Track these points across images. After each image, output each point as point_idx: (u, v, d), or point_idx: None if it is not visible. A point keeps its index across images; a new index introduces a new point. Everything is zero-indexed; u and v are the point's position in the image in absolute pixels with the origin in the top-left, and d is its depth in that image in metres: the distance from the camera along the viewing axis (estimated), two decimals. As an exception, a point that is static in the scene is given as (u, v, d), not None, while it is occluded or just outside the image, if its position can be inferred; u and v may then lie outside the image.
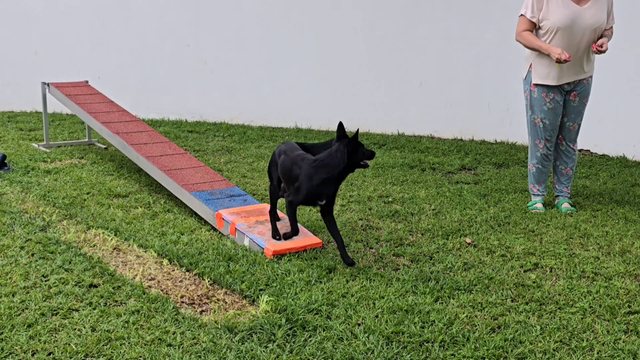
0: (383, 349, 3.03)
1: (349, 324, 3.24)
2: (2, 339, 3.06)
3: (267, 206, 4.72)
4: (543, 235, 4.51)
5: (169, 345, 3.05)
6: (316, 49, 8.24)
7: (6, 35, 9.40)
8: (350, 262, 3.93)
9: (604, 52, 4.79)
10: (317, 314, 3.33)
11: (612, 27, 4.96)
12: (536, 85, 4.95)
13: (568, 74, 4.89)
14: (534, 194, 5.21)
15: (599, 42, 4.80)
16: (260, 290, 3.60)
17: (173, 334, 3.14)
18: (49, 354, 2.97)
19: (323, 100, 8.31)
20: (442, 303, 3.49)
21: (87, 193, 5.31)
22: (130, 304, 3.42)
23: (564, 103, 5.01)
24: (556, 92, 4.94)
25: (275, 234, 4.23)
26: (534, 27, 4.90)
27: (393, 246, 4.28)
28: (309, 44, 8.27)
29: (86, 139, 7.24)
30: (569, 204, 5.13)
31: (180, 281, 3.77)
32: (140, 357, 2.96)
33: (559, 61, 4.71)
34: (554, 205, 5.20)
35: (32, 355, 2.96)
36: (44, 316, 3.27)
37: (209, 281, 3.74)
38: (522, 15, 4.92)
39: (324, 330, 3.18)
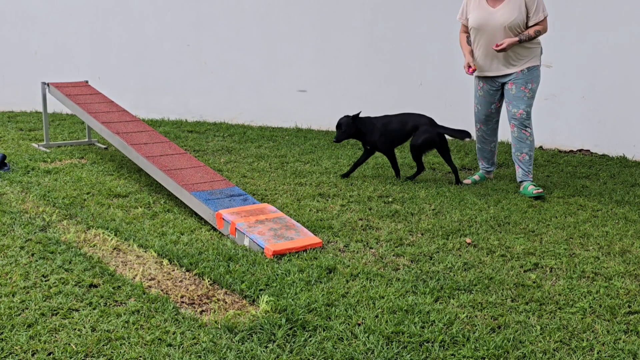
0: (383, 349, 3.03)
1: (349, 324, 3.24)
2: (2, 339, 3.06)
3: (268, 206, 4.73)
4: (543, 235, 4.51)
5: (169, 345, 3.05)
6: (316, 49, 8.25)
7: (6, 35, 9.40)
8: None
9: (502, 50, 5.21)
10: (317, 314, 3.34)
11: (542, 21, 5.26)
12: (474, 75, 5.60)
13: (490, 68, 5.41)
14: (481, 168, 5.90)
15: (501, 42, 5.25)
16: (260, 290, 3.60)
17: (173, 334, 3.14)
18: (49, 354, 2.97)
19: (323, 100, 8.32)
20: (442, 303, 3.49)
21: (87, 193, 5.31)
22: (130, 304, 3.42)
23: (504, 92, 5.47)
24: (486, 82, 5.52)
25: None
26: (466, 29, 5.55)
27: (393, 246, 4.28)
28: (309, 44, 8.27)
29: (86, 139, 7.24)
30: (534, 185, 5.39)
31: (180, 281, 3.77)
32: (140, 357, 2.96)
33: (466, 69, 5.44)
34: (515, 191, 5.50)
35: (32, 355, 2.96)
36: (44, 316, 3.28)
37: (209, 281, 3.74)
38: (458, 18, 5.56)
39: (324, 330, 3.18)
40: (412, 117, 5.82)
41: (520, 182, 5.52)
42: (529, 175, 5.47)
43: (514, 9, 5.21)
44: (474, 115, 5.74)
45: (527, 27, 5.27)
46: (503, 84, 5.45)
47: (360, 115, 5.84)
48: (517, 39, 5.21)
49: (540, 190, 5.30)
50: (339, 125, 5.79)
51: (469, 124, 7.59)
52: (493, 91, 5.49)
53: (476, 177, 5.81)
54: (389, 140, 5.81)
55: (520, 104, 5.35)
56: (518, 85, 5.34)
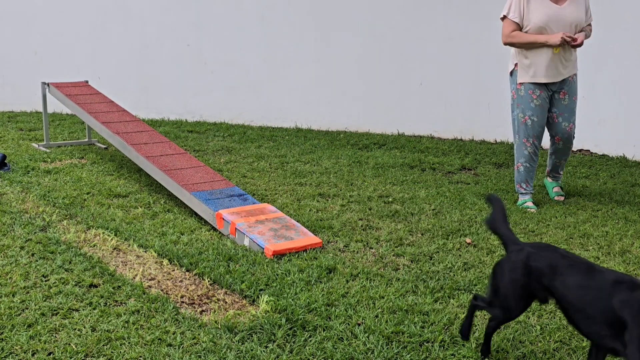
0: (383, 349, 3.03)
1: (349, 324, 3.24)
2: (2, 339, 3.06)
3: (268, 206, 4.73)
4: (543, 235, 4.51)
5: (169, 345, 3.05)
6: (316, 49, 8.25)
7: (6, 35, 9.40)
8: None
9: (579, 45, 4.85)
10: (317, 314, 3.34)
11: (590, 24, 5.06)
12: (522, 83, 5.02)
13: (555, 72, 4.94)
14: (522, 193, 5.25)
15: (575, 36, 4.86)
16: (260, 290, 3.60)
17: (173, 334, 3.15)
18: (49, 354, 2.97)
19: (323, 100, 8.32)
20: (442, 303, 3.49)
21: (87, 193, 5.31)
22: (130, 304, 3.42)
23: (554, 102, 5.07)
24: (543, 89, 5.01)
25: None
26: (519, 28, 4.95)
27: (393, 246, 4.28)
28: (309, 44, 8.27)
29: (86, 139, 7.24)
30: (560, 187, 5.39)
31: (180, 281, 3.77)
32: (140, 357, 2.96)
33: (561, 45, 4.77)
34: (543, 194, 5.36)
35: (32, 355, 2.96)
36: (44, 316, 3.28)
37: (209, 281, 3.74)
38: (504, 17, 4.98)
39: (324, 330, 3.18)
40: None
41: (559, 195, 5.35)
42: (558, 175, 5.43)
43: (580, 6, 4.91)
44: (525, 130, 5.07)
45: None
46: (553, 92, 5.05)
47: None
48: (584, 36, 4.94)
49: (562, 195, 5.33)
50: None
51: (468, 124, 7.62)
52: (548, 100, 5.04)
53: (530, 203, 5.14)
54: None
55: (571, 117, 5.06)
56: (570, 95, 5.03)
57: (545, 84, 4.99)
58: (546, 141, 5.54)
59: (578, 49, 5.03)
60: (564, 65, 4.97)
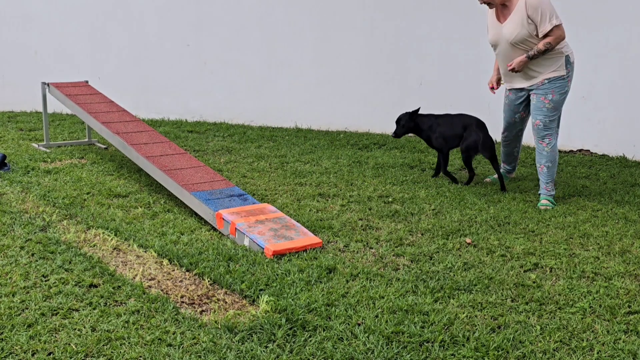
0: (383, 349, 3.03)
1: (349, 324, 3.24)
2: (2, 339, 3.06)
3: (267, 206, 4.73)
4: (543, 235, 4.51)
5: (169, 345, 3.05)
6: (316, 49, 8.25)
7: (6, 35, 9.40)
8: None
9: (514, 71, 5.16)
10: (317, 314, 3.34)
11: (551, 31, 4.97)
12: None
13: (512, 82, 5.38)
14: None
15: (510, 62, 5.18)
16: (260, 290, 3.60)
17: (173, 334, 3.15)
18: (49, 354, 2.97)
19: (323, 100, 8.32)
20: (442, 303, 3.49)
21: (87, 193, 5.31)
22: (130, 304, 3.42)
23: (527, 103, 5.40)
24: (512, 92, 5.46)
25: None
26: None
27: (393, 246, 4.28)
28: (309, 44, 8.27)
29: (86, 139, 7.24)
30: (548, 200, 5.20)
31: (180, 281, 3.77)
32: (140, 357, 2.96)
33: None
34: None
35: (32, 355, 2.96)
36: (44, 316, 3.28)
37: (209, 281, 3.74)
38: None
39: (324, 330, 3.18)
40: (463, 118, 5.76)
41: (539, 194, 5.31)
42: (546, 187, 5.23)
43: (517, 23, 5.02)
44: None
45: (540, 39, 5.04)
46: (528, 95, 5.34)
47: (420, 112, 5.95)
48: (524, 57, 5.05)
49: (547, 203, 5.14)
50: (398, 120, 5.92)
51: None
52: (518, 102, 5.41)
53: (496, 176, 5.85)
54: (442, 138, 5.78)
55: (538, 115, 5.18)
56: (538, 96, 5.19)
57: (515, 88, 5.40)
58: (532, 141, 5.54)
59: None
60: (524, 77, 5.24)
